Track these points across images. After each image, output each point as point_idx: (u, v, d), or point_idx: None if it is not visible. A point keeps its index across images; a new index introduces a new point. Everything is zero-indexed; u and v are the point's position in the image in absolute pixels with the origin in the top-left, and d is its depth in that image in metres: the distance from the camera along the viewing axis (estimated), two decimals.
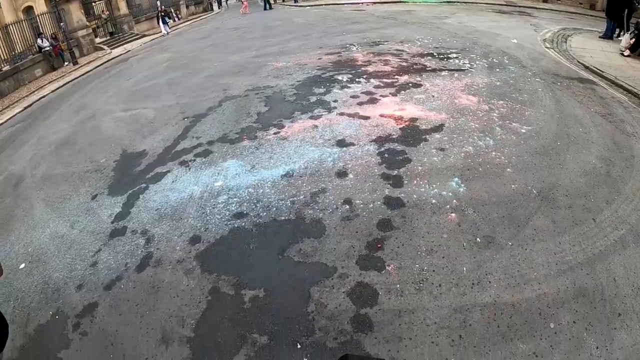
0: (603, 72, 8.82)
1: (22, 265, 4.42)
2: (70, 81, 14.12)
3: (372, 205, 4.34)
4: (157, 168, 5.80)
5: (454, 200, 4.36)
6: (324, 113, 6.78)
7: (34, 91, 13.76)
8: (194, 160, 5.80)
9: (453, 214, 4.18)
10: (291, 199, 4.57)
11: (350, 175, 4.89)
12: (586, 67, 9.28)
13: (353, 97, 7.36)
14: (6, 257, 4.59)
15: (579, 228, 4.01)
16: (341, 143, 5.69)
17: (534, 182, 4.65)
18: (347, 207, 4.34)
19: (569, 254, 3.71)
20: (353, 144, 5.62)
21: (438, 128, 5.91)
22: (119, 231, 4.60)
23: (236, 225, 4.29)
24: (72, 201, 5.46)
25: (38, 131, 8.95)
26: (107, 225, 4.75)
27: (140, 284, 3.81)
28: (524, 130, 5.84)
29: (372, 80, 8.19)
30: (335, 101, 7.22)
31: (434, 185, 4.59)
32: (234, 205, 4.63)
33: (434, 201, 4.36)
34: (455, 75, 8.26)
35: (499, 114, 6.39)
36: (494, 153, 5.25)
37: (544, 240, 3.87)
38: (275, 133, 6.25)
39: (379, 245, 3.80)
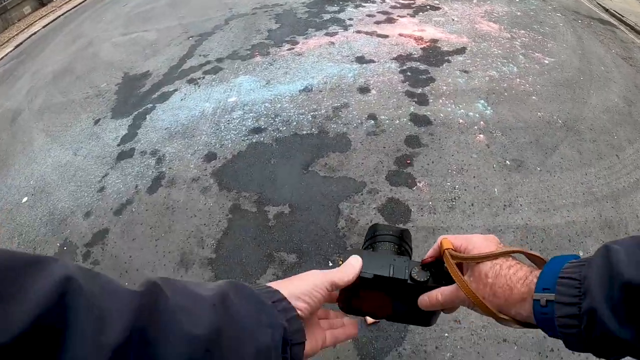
0: (623, 16, 8.06)
1: (25, 199, 3.92)
2: (62, 14, 12.77)
3: (398, 121, 3.89)
4: (164, 87, 5.21)
5: (482, 122, 3.96)
6: (339, 30, 6.07)
7: (24, 29, 12.36)
8: (203, 77, 5.19)
9: (481, 135, 3.79)
10: (312, 113, 4.07)
11: (373, 91, 4.38)
12: (606, 10, 8.52)
13: (369, 16, 6.61)
14: (7, 192, 4.10)
15: (604, 162, 3.70)
16: (361, 60, 5.09)
17: (559, 113, 4.26)
18: (372, 122, 3.88)
19: (595, 185, 3.45)
20: (373, 61, 5.04)
21: (460, 51, 5.35)
22: (126, 153, 4.10)
23: (254, 141, 3.82)
24: (73, 128, 4.87)
25: (33, 65, 8.02)
26: (113, 149, 4.24)
27: (153, 206, 3.38)
28: (547, 62, 5.34)
29: (387, 0, 7.37)
30: (350, 19, 6.47)
31: (460, 106, 4.15)
32: (250, 120, 4.13)
33: (461, 121, 3.94)
34: (474, 0, 7.52)
35: (522, 43, 5.82)
36: (518, 80, 4.81)
37: (570, 169, 3.57)
38: (289, 49, 5.59)
39: (408, 162, 3.40)
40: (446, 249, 0.73)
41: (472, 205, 3.12)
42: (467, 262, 0.71)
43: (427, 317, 0.84)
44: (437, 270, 0.75)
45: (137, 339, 0.45)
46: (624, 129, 4.21)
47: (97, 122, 4.87)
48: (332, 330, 0.80)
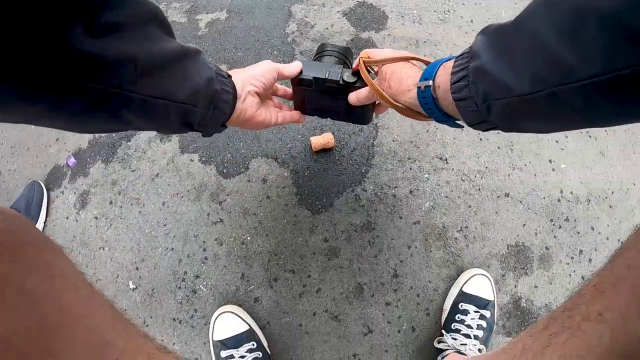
0: None
1: None
2: None
3: None
4: None
5: None
6: None
7: None
8: None
9: None
10: None
11: None
12: None
13: None
14: None
15: None
16: None
17: None
18: None
19: None
20: None
21: None
22: None
23: None
24: None
25: None
26: None
27: None
28: None
29: None
30: None
31: None
32: None
33: None
34: None
35: None
36: None
37: None
38: None
39: None
40: (361, 57, 0.87)
41: (472, 22, 2.22)
42: (374, 64, 0.86)
43: (361, 116, 1.02)
44: None
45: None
46: None
47: None
48: (283, 113, 0.99)
